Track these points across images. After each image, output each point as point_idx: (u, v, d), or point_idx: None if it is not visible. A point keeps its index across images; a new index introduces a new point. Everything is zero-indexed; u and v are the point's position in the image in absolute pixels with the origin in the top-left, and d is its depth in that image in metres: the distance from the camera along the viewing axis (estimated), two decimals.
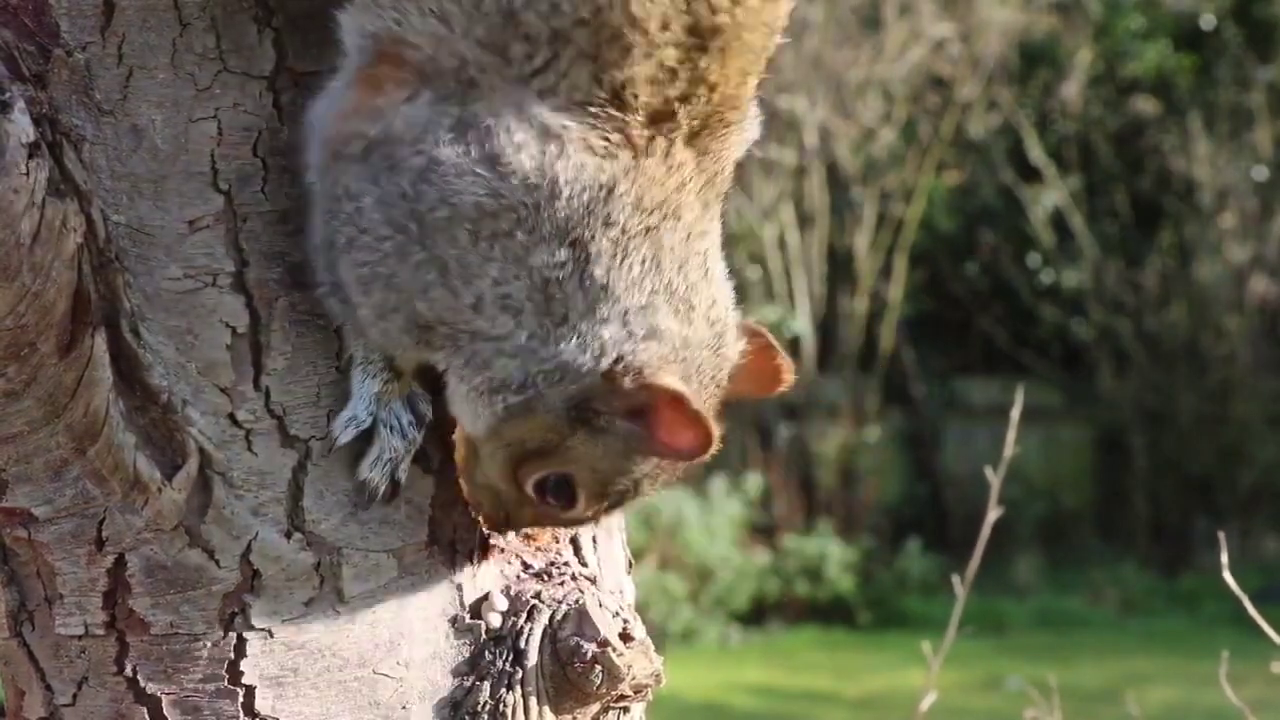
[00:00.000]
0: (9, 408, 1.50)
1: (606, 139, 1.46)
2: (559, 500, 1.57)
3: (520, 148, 1.45)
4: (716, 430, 1.49)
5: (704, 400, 1.53)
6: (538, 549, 1.71)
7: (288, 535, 1.57)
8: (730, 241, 13.83)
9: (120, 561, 1.55)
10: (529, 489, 1.57)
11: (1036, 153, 14.83)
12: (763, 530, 12.96)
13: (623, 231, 1.48)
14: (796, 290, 13.85)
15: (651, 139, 1.48)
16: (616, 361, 1.49)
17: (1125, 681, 9.08)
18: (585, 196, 1.46)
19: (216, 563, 1.56)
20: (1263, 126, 14.83)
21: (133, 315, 1.54)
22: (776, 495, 13.16)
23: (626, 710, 1.69)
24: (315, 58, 1.56)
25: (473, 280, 1.48)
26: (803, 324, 13.77)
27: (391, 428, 1.57)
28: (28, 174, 1.44)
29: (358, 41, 1.51)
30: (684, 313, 1.52)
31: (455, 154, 1.46)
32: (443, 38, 1.46)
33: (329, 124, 1.52)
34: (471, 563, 1.66)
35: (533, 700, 1.62)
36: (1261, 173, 14.78)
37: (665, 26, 1.45)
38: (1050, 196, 14.97)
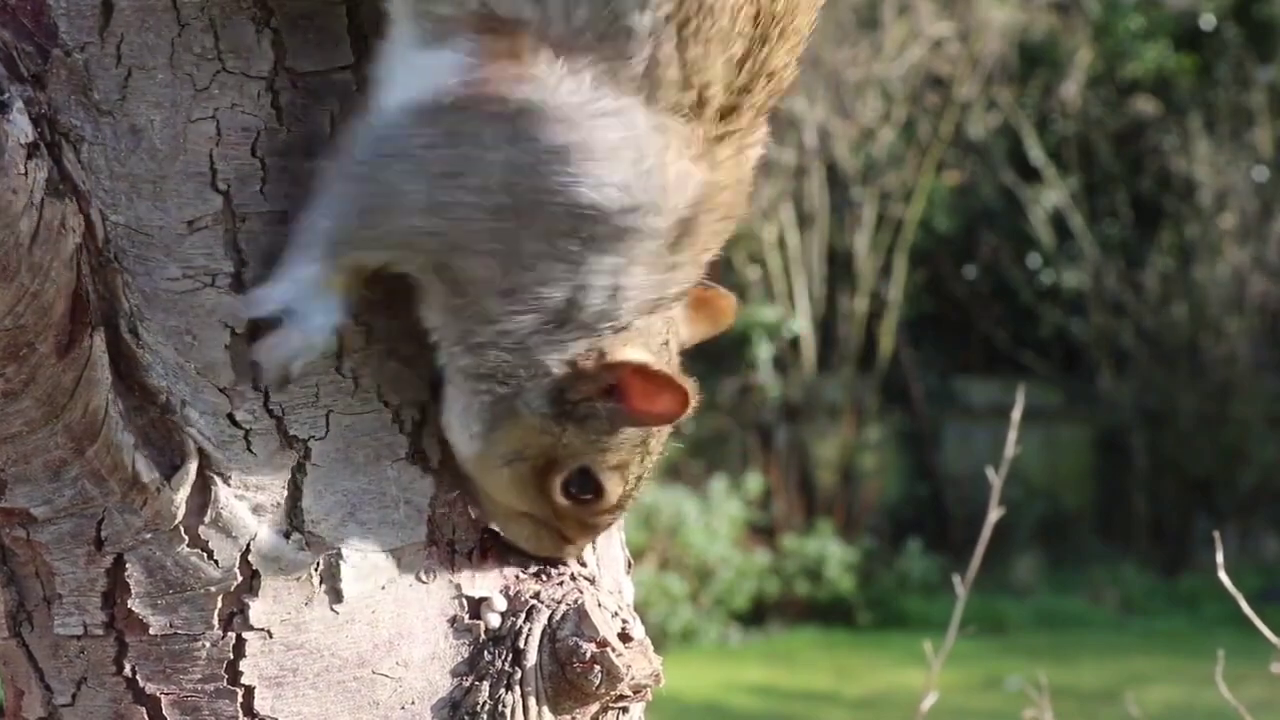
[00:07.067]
0: (8, 408, 1.49)
1: (693, 146, 1.47)
2: (590, 494, 1.60)
3: (646, 152, 1.45)
4: (689, 385, 1.52)
5: (667, 362, 1.56)
6: None
7: (287, 535, 1.57)
8: (730, 242, 13.91)
9: (119, 562, 1.55)
10: (558, 497, 1.60)
11: (1036, 153, 14.83)
12: (763, 530, 12.96)
13: (669, 266, 1.51)
14: (796, 290, 13.84)
15: (720, 141, 1.49)
16: (583, 351, 1.51)
17: (1125, 681, 9.10)
18: (683, 212, 1.48)
19: (215, 563, 1.56)
20: (1263, 127, 14.84)
21: (131, 315, 1.54)
22: (776, 495, 13.16)
23: (626, 710, 1.69)
24: (314, 58, 1.56)
25: (518, 270, 1.47)
26: (803, 324, 13.77)
27: (306, 315, 1.51)
28: (26, 174, 1.44)
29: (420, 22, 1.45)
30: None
31: (612, 141, 1.44)
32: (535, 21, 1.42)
33: (459, 82, 1.44)
34: (471, 563, 1.66)
35: (532, 700, 1.61)
36: (1262, 173, 14.78)
37: (734, 18, 1.45)
38: (1050, 197, 14.97)
